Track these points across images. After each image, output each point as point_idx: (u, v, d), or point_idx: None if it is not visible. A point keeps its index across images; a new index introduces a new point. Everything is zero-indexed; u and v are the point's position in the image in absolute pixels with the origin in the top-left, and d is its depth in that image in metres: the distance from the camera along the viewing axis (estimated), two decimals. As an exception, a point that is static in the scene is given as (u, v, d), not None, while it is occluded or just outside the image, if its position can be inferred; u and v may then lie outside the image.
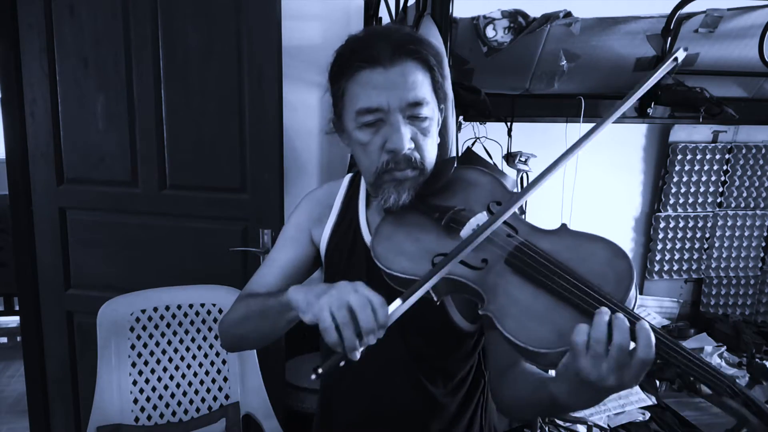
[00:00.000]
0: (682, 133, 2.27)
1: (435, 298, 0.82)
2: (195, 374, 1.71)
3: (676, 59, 0.70)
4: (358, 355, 0.71)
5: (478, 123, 1.79)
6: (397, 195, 0.93)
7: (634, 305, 0.72)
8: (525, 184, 1.78)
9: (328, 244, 1.08)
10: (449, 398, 1.05)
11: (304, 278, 1.15)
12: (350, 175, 1.14)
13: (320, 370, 0.68)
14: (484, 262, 0.81)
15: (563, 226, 0.82)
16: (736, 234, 2.37)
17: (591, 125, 0.76)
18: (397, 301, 0.72)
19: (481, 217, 0.85)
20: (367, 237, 1.04)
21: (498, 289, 0.77)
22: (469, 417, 1.09)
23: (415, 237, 0.91)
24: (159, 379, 1.67)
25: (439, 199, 0.95)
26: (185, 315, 1.71)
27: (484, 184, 0.97)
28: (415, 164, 0.92)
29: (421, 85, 0.90)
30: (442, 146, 1.28)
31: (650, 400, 1.64)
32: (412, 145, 0.91)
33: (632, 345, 0.64)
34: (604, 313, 0.65)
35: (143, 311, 1.66)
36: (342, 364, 0.70)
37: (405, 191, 0.93)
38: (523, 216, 1.07)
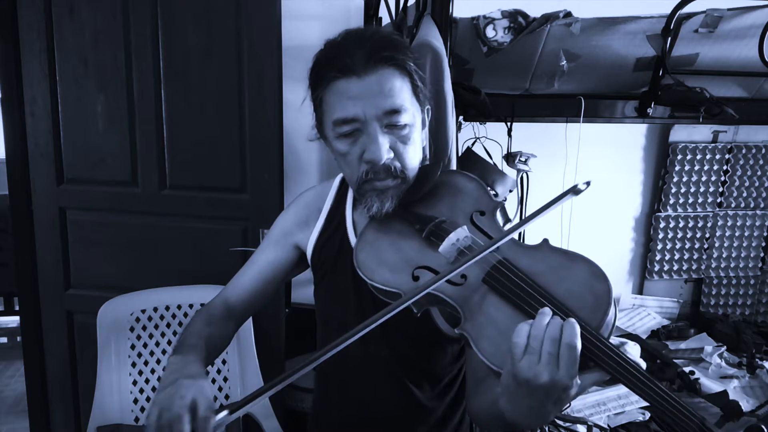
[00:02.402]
0: (682, 133, 2.27)
1: (415, 311, 0.80)
2: (195, 374, 1.71)
3: (578, 191, 0.71)
4: None
5: (478, 123, 1.79)
6: (380, 203, 0.91)
7: (613, 325, 0.70)
8: (525, 185, 1.78)
9: (314, 246, 1.07)
10: (436, 402, 1.04)
11: (282, 280, 1.16)
12: (341, 175, 1.12)
13: None
14: (463, 278, 0.79)
15: (545, 241, 0.80)
16: (736, 234, 2.37)
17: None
18: (224, 412, 0.71)
19: (461, 232, 0.84)
20: (353, 239, 1.03)
21: (475, 307, 0.76)
22: (457, 421, 1.09)
23: (397, 246, 0.90)
24: (159, 379, 1.67)
25: (423, 207, 0.94)
26: (185, 315, 1.71)
27: (470, 191, 0.94)
28: (396, 173, 0.90)
29: (399, 91, 0.87)
30: (442, 147, 1.28)
31: (650, 400, 1.64)
32: (392, 155, 0.89)
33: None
34: (546, 314, 0.66)
35: (143, 311, 1.66)
36: None
37: (388, 200, 0.91)
38: (509, 224, 1.06)
